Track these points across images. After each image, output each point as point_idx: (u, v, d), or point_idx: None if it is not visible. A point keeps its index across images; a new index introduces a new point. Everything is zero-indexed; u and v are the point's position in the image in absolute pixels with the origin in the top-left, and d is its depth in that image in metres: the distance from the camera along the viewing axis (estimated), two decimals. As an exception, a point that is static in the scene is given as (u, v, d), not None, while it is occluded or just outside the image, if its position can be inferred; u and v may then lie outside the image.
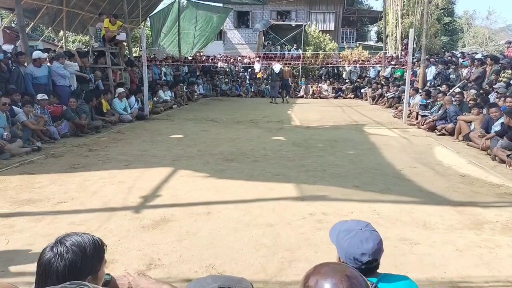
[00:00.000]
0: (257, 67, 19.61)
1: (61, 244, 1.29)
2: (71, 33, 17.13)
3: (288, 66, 16.79)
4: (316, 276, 1.05)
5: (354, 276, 1.04)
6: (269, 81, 16.45)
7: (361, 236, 1.51)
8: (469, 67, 11.31)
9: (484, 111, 7.27)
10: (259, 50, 21.41)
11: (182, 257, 2.89)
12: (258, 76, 19.16)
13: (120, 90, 9.97)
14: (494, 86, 8.79)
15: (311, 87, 17.63)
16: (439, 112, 8.72)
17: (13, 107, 6.88)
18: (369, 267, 1.50)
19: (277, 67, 15.69)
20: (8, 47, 9.49)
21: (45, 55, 8.64)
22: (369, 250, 1.48)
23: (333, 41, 22.45)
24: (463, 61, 13.10)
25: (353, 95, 17.36)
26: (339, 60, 20.55)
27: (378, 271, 1.54)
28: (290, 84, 16.79)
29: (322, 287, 1.02)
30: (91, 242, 1.34)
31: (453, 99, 8.84)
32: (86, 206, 3.94)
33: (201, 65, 18.73)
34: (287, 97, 15.87)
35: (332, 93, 17.65)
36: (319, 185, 4.68)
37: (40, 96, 7.50)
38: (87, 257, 1.30)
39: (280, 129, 8.88)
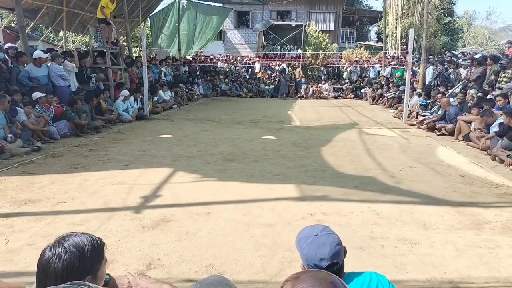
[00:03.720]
0: (257, 67, 19.64)
1: (59, 244, 1.30)
2: (71, 33, 17.13)
3: (298, 66, 18.41)
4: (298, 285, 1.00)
5: (335, 282, 1.01)
6: (280, 79, 17.52)
7: (317, 242, 1.51)
8: (468, 67, 11.30)
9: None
10: (258, 50, 21.44)
11: (182, 257, 2.89)
12: (258, 76, 19.18)
13: (126, 93, 9.99)
14: (501, 86, 8.75)
15: (311, 87, 17.64)
16: (439, 112, 8.72)
17: (16, 107, 6.89)
18: (331, 271, 1.46)
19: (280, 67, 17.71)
20: (8, 45, 9.47)
21: (45, 55, 8.64)
22: (327, 255, 1.48)
23: (333, 43, 22.50)
24: (462, 62, 13.08)
25: (353, 95, 17.35)
26: (339, 60, 20.58)
27: (345, 272, 1.54)
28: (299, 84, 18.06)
29: None
30: (90, 242, 1.34)
31: (452, 100, 8.83)
32: (86, 206, 3.94)
33: (201, 65, 18.75)
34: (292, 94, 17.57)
35: (332, 93, 17.65)
36: (319, 185, 4.68)
37: (34, 95, 7.49)
38: (85, 257, 1.31)
39: (280, 129, 8.88)
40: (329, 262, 1.47)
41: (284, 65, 17.84)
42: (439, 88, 10.25)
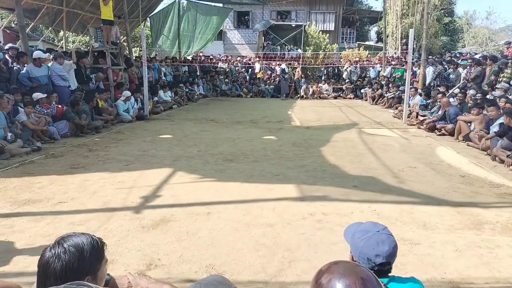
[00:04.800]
0: (257, 67, 19.65)
1: (59, 245, 1.30)
2: (71, 33, 17.13)
3: (298, 66, 18.56)
4: (330, 274, 1.03)
5: (369, 279, 1.02)
6: (281, 80, 17.56)
7: (377, 238, 1.53)
8: (468, 67, 11.31)
9: (484, 111, 7.27)
10: (259, 51, 21.45)
11: (182, 257, 2.89)
12: (258, 76, 19.18)
13: (127, 93, 9.99)
14: (497, 87, 8.76)
15: (311, 87, 17.65)
16: (439, 112, 8.71)
17: (15, 107, 6.89)
18: (382, 269, 1.52)
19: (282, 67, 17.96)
20: (9, 45, 9.47)
21: (45, 55, 8.64)
22: (384, 253, 1.50)
23: (333, 43, 22.52)
24: (461, 62, 13.09)
25: (353, 95, 17.36)
26: (339, 60, 20.60)
27: (389, 274, 1.57)
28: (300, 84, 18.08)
29: (334, 287, 1.01)
30: (89, 242, 1.35)
31: (452, 100, 8.82)
32: (86, 206, 3.94)
33: (201, 65, 18.75)
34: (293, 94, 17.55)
35: (332, 93, 17.66)
36: (319, 185, 4.68)
37: (35, 96, 7.49)
38: (84, 257, 1.31)
39: (280, 129, 8.88)
40: (384, 260, 1.50)
41: (283, 65, 17.88)
42: (439, 88, 10.25)
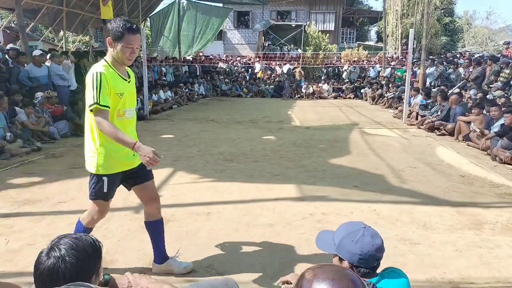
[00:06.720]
0: (257, 67, 19.65)
1: (58, 249, 1.28)
2: (71, 34, 17.13)
3: (298, 67, 18.49)
4: (318, 280, 0.97)
5: (358, 283, 0.99)
6: (284, 80, 17.51)
7: (369, 233, 1.47)
8: (467, 68, 11.32)
9: (485, 111, 7.27)
10: (258, 51, 21.46)
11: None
12: (258, 76, 19.18)
13: None
14: (491, 85, 8.79)
15: (311, 87, 17.65)
16: (441, 113, 8.67)
17: (15, 107, 6.88)
18: (378, 265, 1.48)
19: (285, 67, 17.59)
20: (10, 46, 9.48)
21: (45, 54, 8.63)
22: (380, 245, 1.46)
23: (333, 43, 22.54)
24: (460, 62, 13.11)
25: (353, 95, 17.35)
26: (339, 60, 20.61)
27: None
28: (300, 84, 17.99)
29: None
30: (89, 242, 1.35)
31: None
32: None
33: (201, 65, 18.75)
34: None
35: (332, 93, 17.66)
36: (319, 185, 4.68)
37: (38, 95, 7.48)
38: (89, 257, 1.32)
39: (280, 129, 8.88)
40: (383, 252, 1.46)
41: (288, 65, 17.82)
42: (443, 88, 10.22)
